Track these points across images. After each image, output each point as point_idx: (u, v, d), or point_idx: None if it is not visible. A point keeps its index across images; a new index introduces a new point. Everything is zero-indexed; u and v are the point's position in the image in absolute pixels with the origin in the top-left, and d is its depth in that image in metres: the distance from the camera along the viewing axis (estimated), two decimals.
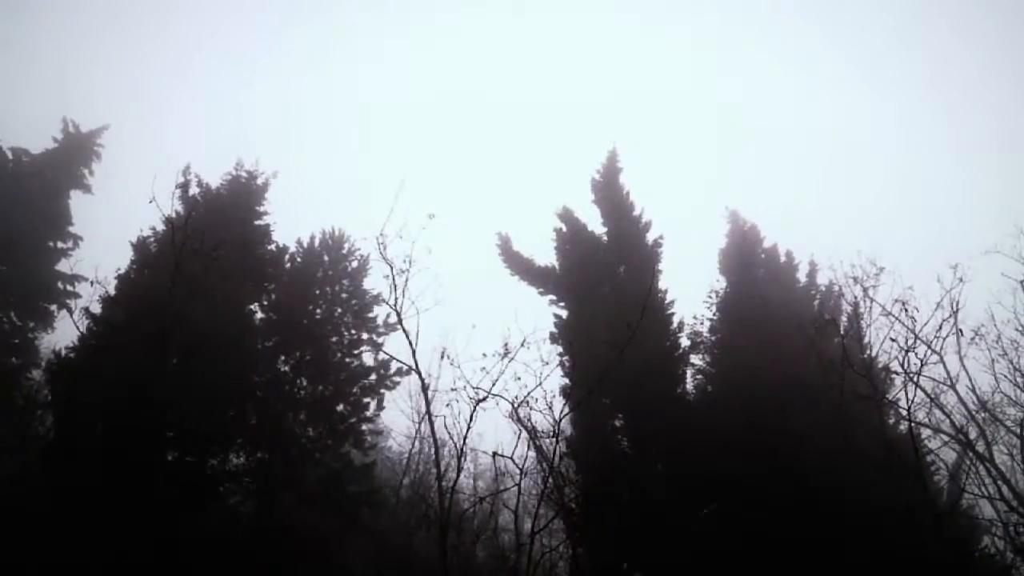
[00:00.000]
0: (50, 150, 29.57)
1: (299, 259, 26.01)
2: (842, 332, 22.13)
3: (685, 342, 25.26)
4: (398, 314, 18.03)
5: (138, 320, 20.85)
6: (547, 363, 18.75)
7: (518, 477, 17.62)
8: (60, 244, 28.24)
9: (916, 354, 21.50)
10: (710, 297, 26.56)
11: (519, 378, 19.76)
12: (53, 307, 27.23)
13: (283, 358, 23.86)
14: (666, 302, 25.25)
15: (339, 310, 25.37)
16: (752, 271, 27.54)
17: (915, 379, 21.21)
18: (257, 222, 25.67)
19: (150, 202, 18.59)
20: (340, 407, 23.76)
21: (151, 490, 18.14)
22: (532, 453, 21.58)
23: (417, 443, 27.41)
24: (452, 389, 20.70)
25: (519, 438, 19.19)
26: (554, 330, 25.18)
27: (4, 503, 17.57)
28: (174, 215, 21.85)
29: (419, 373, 17.88)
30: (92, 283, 21.60)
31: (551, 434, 19.87)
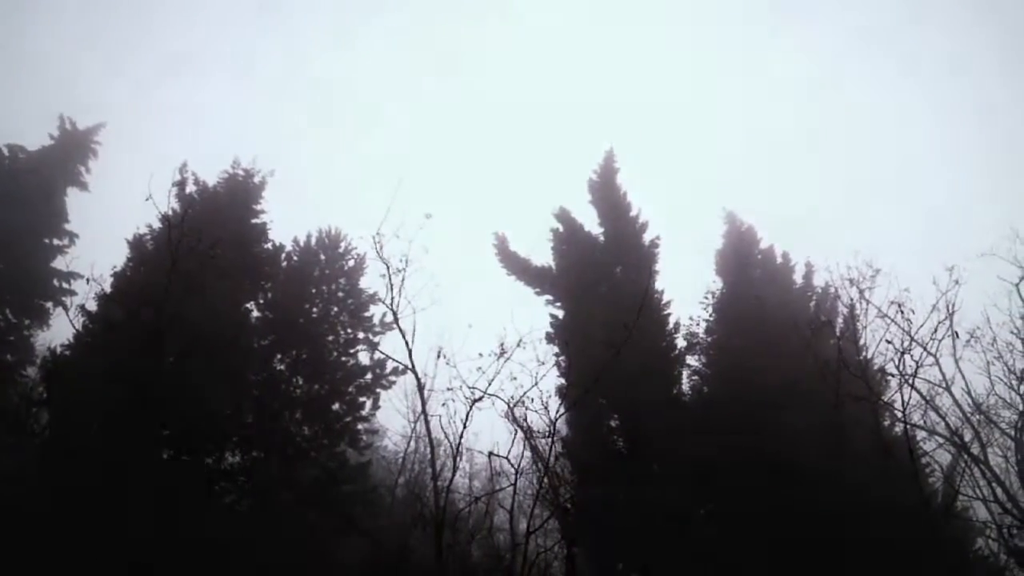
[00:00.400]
0: (47, 147, 29.46)
1: (295, 258, 25.98)
2: (838, 334, 22.17)
3: (681, 343, 25.34)
4: (394, 313, 18.05)
5: (134, 318, 20.82)
6: (543, 363, 18.75)
7: (514, 477, 17.62)
8: (56, 241, 28.14)
9: (912, 356, 21.56)
10: (706, 298, 26.62)
11: (515, 378, 19.77)
12: (49, 304, 27.16)
13: (279, 357, 23.84)
14: (662, 303, 25.33)
15: (335, 309, 25.35)
16: (748, 272, 27.58)
17: (910, 381, 21.26)
18: (254, 220, 25.64)
19: (147, 200, 18.57)
20: (336, 406, 23.77)
21: (147, 489, 18.10)
22: (528, 453, 21.58)
23: (413, 442, 27.43)
24: (448, 389, 20.67)
25: (515, 438, 19.20)
26: (550, 330, 25.22)
27: (1, 502, 17.53)
28: (170, 213, 21.80)
29: (415, 372, 17.88)
30: (88, 280, 21.53)
31: (547, 434, 19.88)
